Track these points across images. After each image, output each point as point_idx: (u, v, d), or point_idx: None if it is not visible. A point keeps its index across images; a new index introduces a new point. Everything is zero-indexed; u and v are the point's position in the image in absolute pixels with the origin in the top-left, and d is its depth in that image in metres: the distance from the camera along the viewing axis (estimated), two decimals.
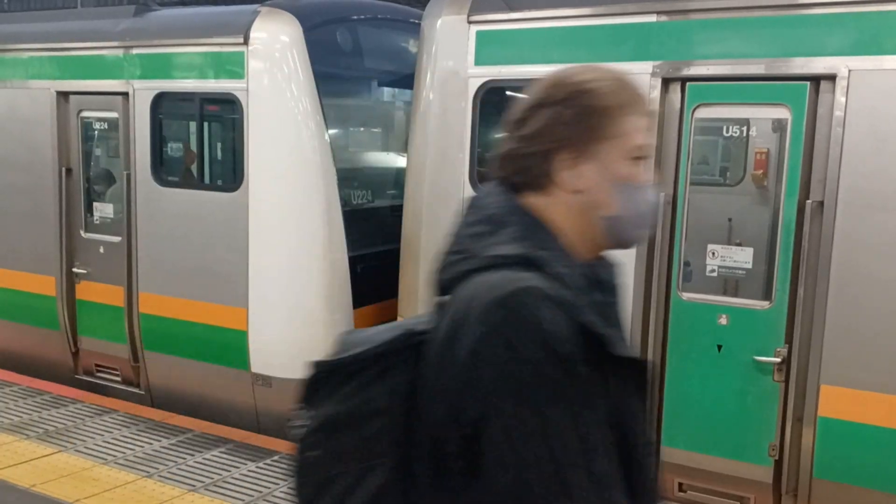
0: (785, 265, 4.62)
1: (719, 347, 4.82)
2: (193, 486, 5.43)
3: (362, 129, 7.91)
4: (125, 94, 6.93)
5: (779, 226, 4.65)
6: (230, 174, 6.83)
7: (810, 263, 4.53)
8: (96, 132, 7.43)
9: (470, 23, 5.43)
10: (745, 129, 4.83)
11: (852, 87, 4.35)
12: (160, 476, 5.56)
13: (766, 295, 4.74)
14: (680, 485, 5.07)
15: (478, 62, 5.44)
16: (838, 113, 4.39)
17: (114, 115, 7.12)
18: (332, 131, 6.43)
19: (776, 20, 4.58)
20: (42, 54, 7.51)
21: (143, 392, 7.29)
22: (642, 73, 4.87)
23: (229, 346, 6.54)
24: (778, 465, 4.75)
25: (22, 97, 7.63)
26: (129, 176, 6.95)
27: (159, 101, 6.77)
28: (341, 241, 6.24)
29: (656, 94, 4.83)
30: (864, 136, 4.35)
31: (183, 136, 7.30)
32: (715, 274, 4.88)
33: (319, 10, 6.65)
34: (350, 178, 6.87)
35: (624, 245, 1.59)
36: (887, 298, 4.34)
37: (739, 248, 4.83)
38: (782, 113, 4.61)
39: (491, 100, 5.64)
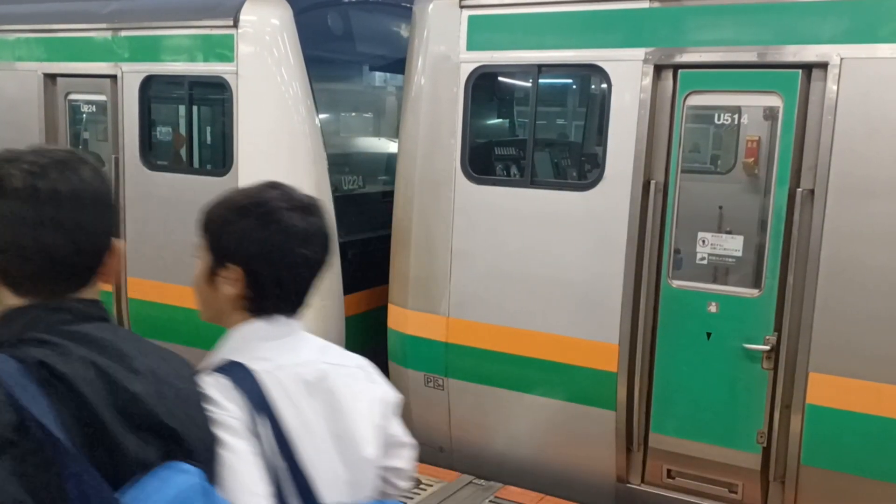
0: (775, 253, 4.63)
1: (709, 335, 4.83)
2: None
3: (353, 113, 7.87)
4: (113, 77, 6.86)
5: (769, 214, 4.65)
6: (219, 158, 6.78)
7: (800, 251, 4.54)
8: (84, 115, 7.36)
9: (462, 7, 5.39)
10: (736, 116, 4.83)
11: (844, 75, 4.34)
12: None
13: (756, 283, 4.75)
14: (669, 471, 5.10)
15: (470, 47, 5.41)
16: (830, 101, 4.39)
17: (102, 98, 7.05)
18: (322, 116, 6.39)
19: (769, 7, 4.57)
20: (29, 36, 7.43)
21: None
22: (634, 59, 4.85)
23: (218, 332, 6.51)
24: (766, 451, 4.78)
25: (8, 79, 7.55)
26: (117, 160, 6.89)
27: (148, 84, 6.71)
28: (332, 227, 6.21)
29: (648, 81, 4.82)
30: (855, 124, 4.35)
31: (172, 119, 7.24)
32: (705, 262, 4.88)
33: None
34: (341, 163, 6.83)
35: None
36: (877, 287, 4.36)
37: (730, 235, 4.83)
38: (774, 101, 4.61)
39: (483, 85, 5.62)
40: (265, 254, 1.87)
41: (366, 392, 1.98)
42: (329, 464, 1.86)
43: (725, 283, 4.86)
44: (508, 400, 5.50)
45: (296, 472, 1.79)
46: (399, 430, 2.07)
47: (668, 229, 4.89)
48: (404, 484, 2.09)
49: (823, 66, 4.41)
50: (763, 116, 4.73)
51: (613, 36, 4.96)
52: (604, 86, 5.09)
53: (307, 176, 6.15)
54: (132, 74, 6.74)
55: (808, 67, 4.49)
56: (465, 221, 5.51)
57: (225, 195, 1.97)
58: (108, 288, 7.11)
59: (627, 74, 4.88)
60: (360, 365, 2.03)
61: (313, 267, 1.95)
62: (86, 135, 7.48)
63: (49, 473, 1.30)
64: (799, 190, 4.52)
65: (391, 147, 7.14)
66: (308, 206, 1.95)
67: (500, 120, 6.81)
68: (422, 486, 5.28)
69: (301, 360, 1.91)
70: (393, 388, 2.08)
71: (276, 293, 1.92)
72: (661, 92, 4.86)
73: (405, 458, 2.09)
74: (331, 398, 1.89)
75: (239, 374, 1.80)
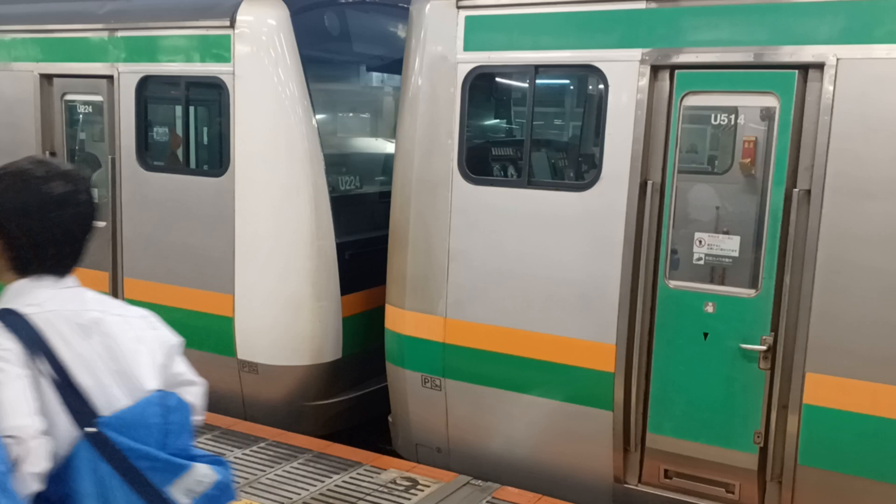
0: (771, 253, 4.63)
1: (705, 335, 4.83)
2: None
3: (351, 114, 7.87)
4: (110, 78, 6.85)
5: (766, 214, 4.66)
6: (216, 159, 6.78)
7: (796, 252, 4.55)
8: (80, 116, 7.35)
9: (459, 8, 5.39)
10: (733, 117, 4.83)
11: (840, 75, 4.35)
12: None
13: (753, 283, 4.75)
14: (666, 471, 5.10)
15: (467, 48, 5.41)
16: (826, 101, 4.39)
17: (98, 98, 7.05)
18: (319, 116, 6.39)
19: (765, 8, 4.57)
20: (25, 36, 7.41)
21: None
22: (631, 60, 4.85)
23: (215, 333, 6.52)
24: (763, 451, 4.78)
25: (5, 80, 7.54)
26: (113, 160, 6.88)
27: (144, 84, 6.71)
28: (329, 228, 6.22)
29: (645, 81, 4.82)
30: (851, 124, 4.35)
31: (168, 120, 7.24)
32: (702, 262, 4.88)
33: None
34: (338, 163, 6.83)
35: None
36: (873, 287, 4.37)
37: (726, 236, 4.84)
38: (770, 101, 4.61)
39: (480, 85, 5.62)
40: (16, 218, 2.02)
41: (145, 336, 2.17)
42: (109, 392, 2.02)
43: (722, 284, 4.86)
44: (506, 400, 5.50)
45: (73, 395, 1.96)
46: (184, 369, 2.27)
47: (664, 229, 4.89)
48: (195, 417, 2.27)
49: (820, 66, 4.42)
50: (760, 117, 4.73)
51: (610, 36, 4.96)
52: (601, 86, 5.09)
53: (304, 176, 6.15)
54: (129, 75, 6.73)
55: (804, 68, 4.50)
56: (462, 222, 5.51)
57: None
58: (106, 290, 7.11)
59: (624, 75, 4.89)
60: (141, 315, 2.22)
61: (70, 230, 2.10)
62: (82, 135, 7.48)
63: None
64: (795, 190, 4.52)
65: (388, 147, 7.14)
66: (65, 174, 2.10)
67: (498, 120, 6.80)
68: (419, 486, 5.28)
69: (71, 307, 2.07)
70: (175, 333, 2.27)
71: (34, 255, 2.06)
72: (658, 92, 4.86)
73: (194, 394, 2.28)
74: (107, 340, 2.07)
75: (8, 316, 1.96)
